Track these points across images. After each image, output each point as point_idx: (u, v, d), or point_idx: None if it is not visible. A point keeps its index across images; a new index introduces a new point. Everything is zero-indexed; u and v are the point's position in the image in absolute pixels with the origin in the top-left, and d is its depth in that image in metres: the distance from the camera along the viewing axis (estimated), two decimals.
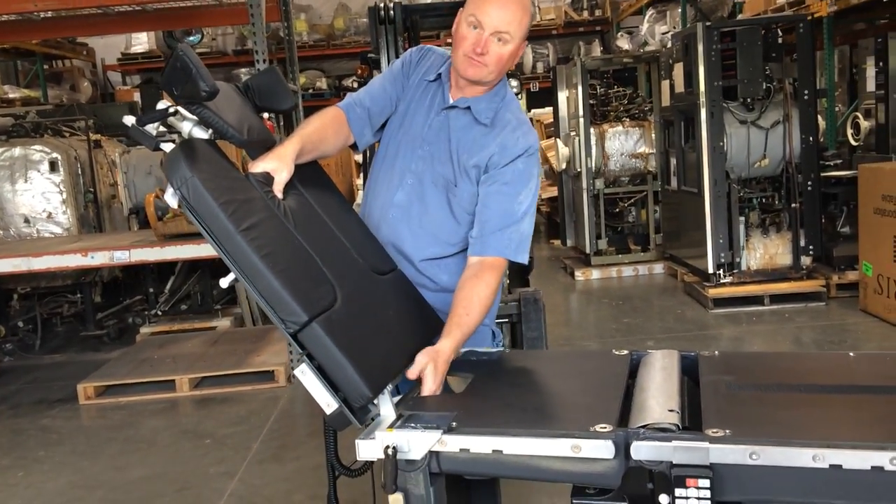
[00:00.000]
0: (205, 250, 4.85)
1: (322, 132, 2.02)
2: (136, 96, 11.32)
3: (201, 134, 1.77)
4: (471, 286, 1.95)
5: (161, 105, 1.74)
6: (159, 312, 6.25)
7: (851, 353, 1.91)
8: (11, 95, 9.76)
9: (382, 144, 2.20)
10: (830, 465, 1.38)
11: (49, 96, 10.51)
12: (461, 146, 2.07)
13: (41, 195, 6.33)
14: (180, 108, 1.74)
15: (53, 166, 6.29)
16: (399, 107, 2.17)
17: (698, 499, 1.42)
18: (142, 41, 12.23)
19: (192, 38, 8.61)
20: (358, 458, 1.59)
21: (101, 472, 3.83)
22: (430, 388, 1.77)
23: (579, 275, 7.35)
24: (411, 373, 1.77)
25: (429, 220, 2.10)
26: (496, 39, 1.98)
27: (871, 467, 1.37)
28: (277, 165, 1.84)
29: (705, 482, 1.42)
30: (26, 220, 6.32)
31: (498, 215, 2.00)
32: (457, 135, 2.08)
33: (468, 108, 2.08)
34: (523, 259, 2.02)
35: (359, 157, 9.14)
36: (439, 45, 2.29)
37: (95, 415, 4.69)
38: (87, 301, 6.44)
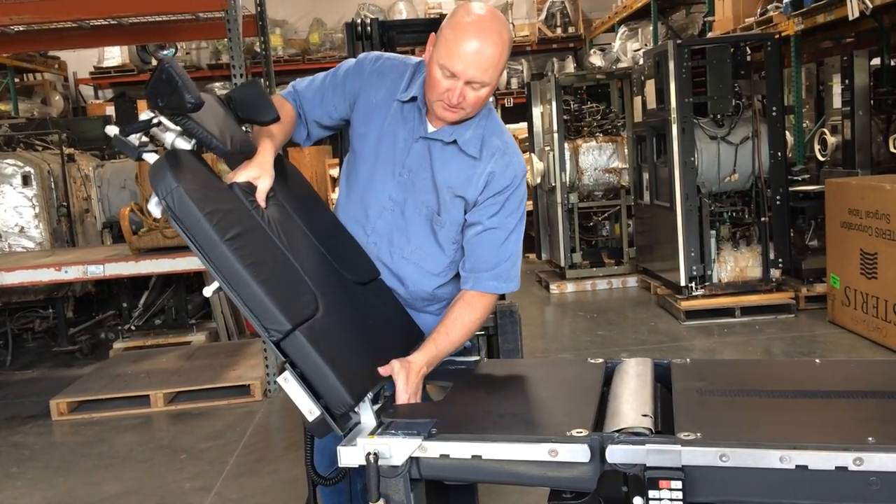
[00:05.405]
0: (180, 264, 4.83)
1: (285, 130, 2.04)
2: (109, 110, 11.21)
3: (184, 145, 1.79)
4: (458, 310, 2.00)
5: (144, 116, 1.76)
6: (133, 327, 6.18)
7: (817, 360, 1.98)
8: None
9: (355, 159, 2.11)
10: (797, 466, 1.43)
11: (20, 110, 10.38)
12: (447, 176, 1.99)
13: (13, 209, 6.28)
14: (163, 119, 1.76)
15: (26, 180, 6.24)
16: (358, 113, 2.07)
17: (671, 500, 1.46)
18: (114, 55, 12.12)
19: (166, 52, 8.52)
20: (340, 465, 1.61)
21: (76, 487, 3.79)
22: (402, 396, 1.80)
23: (554, 288, 7.42)
24: (384, 370, 1.81)
25: (411, 251, 2.06)
26: (472, 87, 1.87)
27: (836, 467, 1.42)
28: (259, 174, 1.87)
29: (678, 484, 1.46)
30: None
31: (491, 255, 2.01)
32: (441, 164, 2.00)
33: (454, 140, 1.98)
34: (515, 286, 2.06)
35: (334, 172, 9.16)
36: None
37: (69, 431, 4.63)
38: (59, 316, 6.36)
